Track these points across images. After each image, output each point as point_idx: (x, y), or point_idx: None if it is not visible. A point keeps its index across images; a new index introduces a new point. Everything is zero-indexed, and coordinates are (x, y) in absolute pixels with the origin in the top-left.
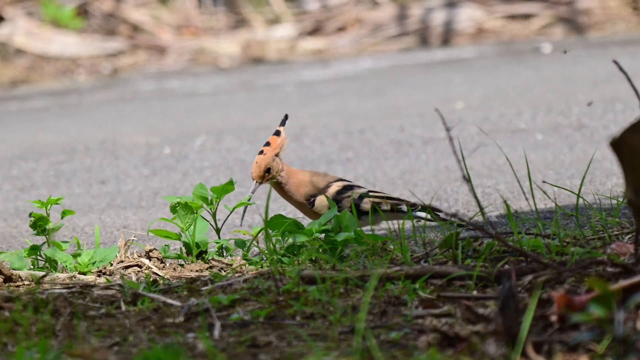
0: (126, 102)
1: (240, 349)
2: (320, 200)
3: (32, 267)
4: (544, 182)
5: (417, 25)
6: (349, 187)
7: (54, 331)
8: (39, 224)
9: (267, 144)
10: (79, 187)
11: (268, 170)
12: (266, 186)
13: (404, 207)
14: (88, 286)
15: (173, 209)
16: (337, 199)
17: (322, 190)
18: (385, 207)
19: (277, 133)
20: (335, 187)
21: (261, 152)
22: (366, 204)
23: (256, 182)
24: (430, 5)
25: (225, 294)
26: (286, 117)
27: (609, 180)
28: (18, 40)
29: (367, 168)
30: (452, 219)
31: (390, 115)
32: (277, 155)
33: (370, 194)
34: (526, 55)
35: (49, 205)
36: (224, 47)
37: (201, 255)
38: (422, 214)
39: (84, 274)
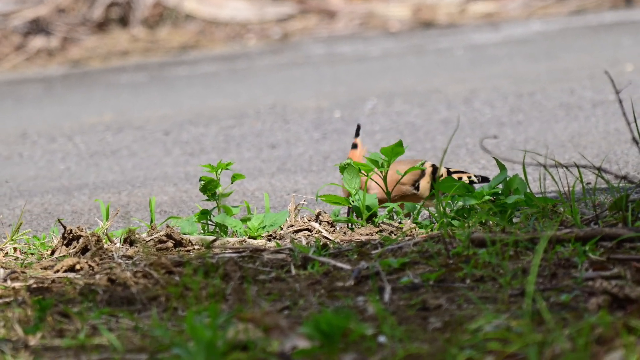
0: (296, 67)
1: (410, 312)
2: (424, 183)
3: (202, 231)
4: None
5: None
6: (434, 166)
7: (224, 295)
8: (209, 188)
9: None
10: (249, 151)
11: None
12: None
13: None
14: (258, 250)
15: (342, 170)
16: (435, 178)
17: (422, 173)
18: (466, 179)
19: (354, 146)
20: (429, 168)
21: None
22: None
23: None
24: None
25: (395, 257)
26: (359, 127)
27: None
28: (188, 5)
29: (537, 130)
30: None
31: (559, 78)
32: None
33: (450, 170)
34: None
35: (219, 170)
36: (394, 11)
37: (371, 218)
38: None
39: (254, 238)
